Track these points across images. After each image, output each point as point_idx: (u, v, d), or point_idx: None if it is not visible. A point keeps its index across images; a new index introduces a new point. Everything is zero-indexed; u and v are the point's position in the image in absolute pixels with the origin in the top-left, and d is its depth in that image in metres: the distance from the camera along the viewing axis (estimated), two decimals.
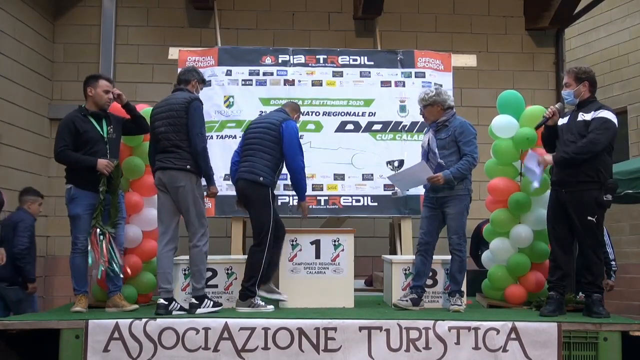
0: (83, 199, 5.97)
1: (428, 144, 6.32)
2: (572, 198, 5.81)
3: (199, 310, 5.79)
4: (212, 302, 5.94)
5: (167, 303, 5.78)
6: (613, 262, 7.30)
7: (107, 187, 6.00)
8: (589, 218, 5.77)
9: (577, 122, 5.87)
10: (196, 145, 5.90)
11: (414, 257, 6.53)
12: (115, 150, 6.19)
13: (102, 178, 5.97)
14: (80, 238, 5.97)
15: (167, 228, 5.96)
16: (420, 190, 7.51)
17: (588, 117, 5.83)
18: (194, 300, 5.88)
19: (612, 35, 11.21)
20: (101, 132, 6.10)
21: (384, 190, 7.80)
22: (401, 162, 6.57)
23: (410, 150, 7.59)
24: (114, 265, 6.00)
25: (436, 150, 6.22)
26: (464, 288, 6.31)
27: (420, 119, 7.80)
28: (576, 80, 5.98)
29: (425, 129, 6.69)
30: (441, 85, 7.97)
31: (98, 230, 5.94)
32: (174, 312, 5.74)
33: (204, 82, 6.53)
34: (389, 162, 6.53)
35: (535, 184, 6.10)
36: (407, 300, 6.18)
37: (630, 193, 7.45)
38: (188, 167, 5.89)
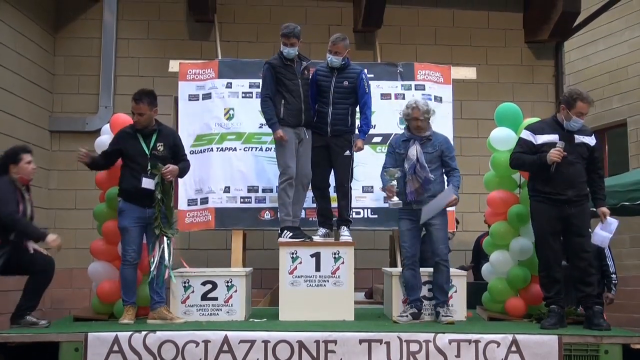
0: (130, 213, 6.09)
1: (417, 156, 6.25)
2: (578, 211, 5.90)
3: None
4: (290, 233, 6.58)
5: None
6: (614, 275, 7.29)
7: (162, 187, 6.15)
8: (590, 230, 5.96)
9: (577, 144, 5.97)
10: None
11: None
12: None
13: (158, 181, 6.13)
14: (128, 250, 6.08)
15: None
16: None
17: (587, 140, 6.01)
18: None
19: (611, 48, 11.23)
20: None
21: (384, 202, 7.80)
22: (402, 171, 6.54)
23: None
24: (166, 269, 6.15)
25: (425, 164, 6.22)
26: (462, 299, 6.38)
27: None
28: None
29: (396, 139, 6.61)
30: (441, 98, 8.01)
31: (165, 238, 6.14)
32: None
33: (284, 36, 6.76)
34: (387, 172, 6.45)
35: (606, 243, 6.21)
36: (407, 316, 6.18)
37: (626, 205, 7.47)
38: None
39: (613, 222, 6.02)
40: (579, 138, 5.98)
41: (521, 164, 6.14)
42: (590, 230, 6.04)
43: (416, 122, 6.32)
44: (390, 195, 6.29)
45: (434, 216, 6.23)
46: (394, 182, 6.28)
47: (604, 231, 5.99)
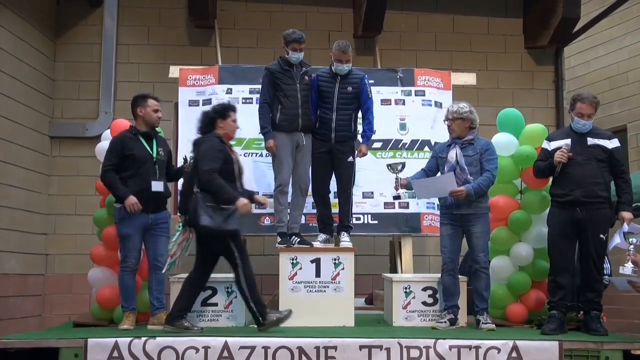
0: (133, 219, 6.05)
1: (456, 159, 6.29)
2: (590, 216, 5.90)
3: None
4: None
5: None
6: (606, 277, 7.29)
7: None
8: (601, 236, 5.92)
9: (590, 146, 5.99)
10: None
11: (413, 275, 6.54)
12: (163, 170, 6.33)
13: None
14: (129, 257, 6.09)
15: None
16: (420, 208, 7.55)
17: (603, 142, 6.01)
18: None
19: (612, 53, 11.23)
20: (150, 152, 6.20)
21: (384, 208, 7.80)
22: (404, 165, 6.53)
23: (411, 168, 7.58)
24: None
25: (465, 167, 6.24)
26: (463, 305, 6.38)
27: (420, 136, 7.88)
28: (596, 110, 6.09)
29: (438, 144, 6.71)
30: (441, 104, 8.00)
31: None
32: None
33: (295, 41, 6.74)
34: (390, 165, 6.48)
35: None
36: (445, 322, 6.18)
37: None
38: None
39: (629, 227, 5.86)
40: (592, 140, 6.02)
41: (538, 171, 6.25)
42: (602, 236, 5.93)
43: (448, 122, 6.43)
44: (396, 187, 6.41)
45: (474, 223, 6.22)
46: (396, 175, 6.40)
47: (619, 236, 5.89)
